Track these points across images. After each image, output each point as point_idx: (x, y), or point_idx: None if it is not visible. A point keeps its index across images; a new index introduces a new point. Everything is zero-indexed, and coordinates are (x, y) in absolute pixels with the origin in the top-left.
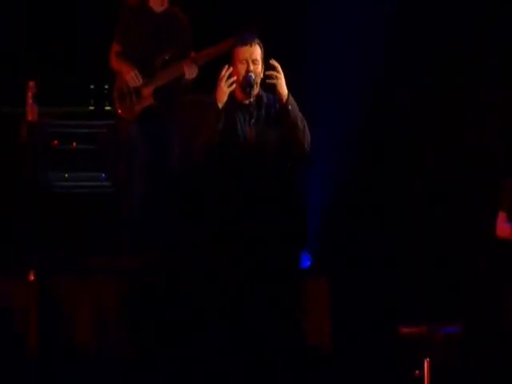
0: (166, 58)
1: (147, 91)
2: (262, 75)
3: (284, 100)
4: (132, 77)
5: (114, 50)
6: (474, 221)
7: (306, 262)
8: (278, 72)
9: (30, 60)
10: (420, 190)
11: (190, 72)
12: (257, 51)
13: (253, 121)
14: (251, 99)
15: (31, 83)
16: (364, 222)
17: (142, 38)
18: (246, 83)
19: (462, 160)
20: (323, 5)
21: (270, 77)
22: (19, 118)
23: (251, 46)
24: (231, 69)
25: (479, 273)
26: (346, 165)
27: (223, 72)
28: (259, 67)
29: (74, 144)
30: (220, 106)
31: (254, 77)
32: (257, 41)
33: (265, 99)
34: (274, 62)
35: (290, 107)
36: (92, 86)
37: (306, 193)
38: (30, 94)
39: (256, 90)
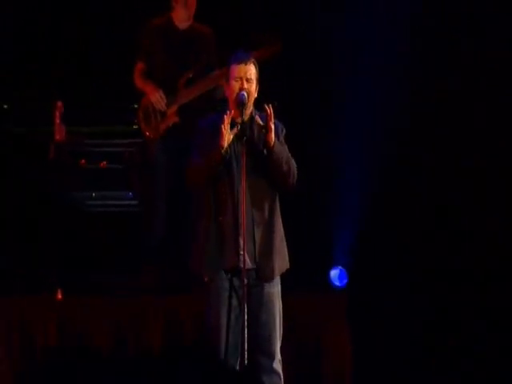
0: (190, 75)
1: (171, 110)
2: (255, 94)
3: (271, 146)
4: (157, 99)
5: (138, 68)
6: None
7: (343, 281)
8: (270, 118)
9: (57, 80)
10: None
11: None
12: (251, 70)
13: (245, 139)
14: (244, 117)
15: (59, 103)
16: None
17: (165, 55)
18: (239, 101)
19: (499, 178)
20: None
21: (262, 121)
22: (47, 138)
23: (246, 64)
24: (233, 113)
25: None
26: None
27: (225, 119)
28: (253, 86)
29: (101, 163)
30: (223, 151)
31: (246, 95)
32: (252, 60)
33: (258, 119)
34: (267, 108)
35: (273, 154)
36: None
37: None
38: (57, 114)
39: (249, 109)
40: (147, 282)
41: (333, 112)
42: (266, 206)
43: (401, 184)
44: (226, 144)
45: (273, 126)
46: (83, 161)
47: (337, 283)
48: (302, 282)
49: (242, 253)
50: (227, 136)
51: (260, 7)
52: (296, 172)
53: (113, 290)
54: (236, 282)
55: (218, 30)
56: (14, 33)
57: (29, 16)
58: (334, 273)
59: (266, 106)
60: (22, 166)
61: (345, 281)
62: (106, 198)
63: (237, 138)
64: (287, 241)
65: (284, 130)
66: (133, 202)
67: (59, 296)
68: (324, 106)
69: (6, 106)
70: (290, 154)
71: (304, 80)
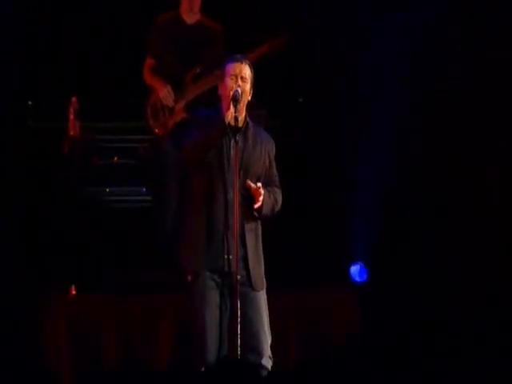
0: (198, 71)
1: (179, 106)
2: (249, 97)
3: (259, 213)
4: (165, 94)
5: (148, 64)
6: None
7: (363, 276)
8: (257, 195)
9: (72, 76)
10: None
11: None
12: (246, 70)
13: (239, 141)
14: (237, 114)
15: (73, 99)
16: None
17: (174, 50)
18: (233, 96)
19: None
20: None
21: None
22: (62, 134)
23: (241, 63)
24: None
25: None
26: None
27: (235, 93)
28: (247, 85)
29: (115, 159)
30: (227, 120)
31: (240, 92)
32: (247, 61)
33: (251, 129)
34: (253, 186)
35: (261, 216)
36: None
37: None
38: (72, 110)
39: (242, 113)
40: (160, 279)
41: (356, 112)
42: (255, 219)
43: (422, 181)
44: (229, 117)
45: (261, 200)
46: (97, 156)
47: (357, 279)
48: (323, 278)
49: (229, 257)
50: (230, 112)
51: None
52: (279, 208)
53: (126, 287)
54: (220, 280)
55: (226, 25)
56: (27, 28)
57: (44, 11)
58: (355, 269)
59: (252, 185)
60: (36, 161)
61: (364, 276)
62: (120, 193)
63: (229, 140)
64: (311, 238)
65: (274, 148)
66: (147, 198)
67: (73, 292)
68: (346, 105)
69: (30, 103)
70: (276, 189)
71: (324, 80)
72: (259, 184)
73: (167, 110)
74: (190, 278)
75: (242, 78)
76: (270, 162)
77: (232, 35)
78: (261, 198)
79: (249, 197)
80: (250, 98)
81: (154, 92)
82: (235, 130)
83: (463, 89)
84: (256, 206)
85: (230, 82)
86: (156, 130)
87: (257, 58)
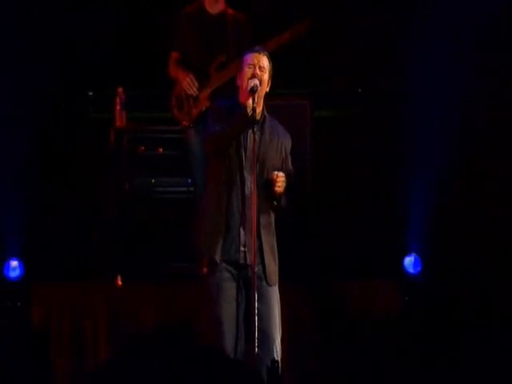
0: (222, 60)
1: (203, 95)
2: (267, 88)
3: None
4: (188, 83)
5: (172, 58)
6: None
7: (417, 267)
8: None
9: (118, 66)
10: None
11: None
12: (265, 60)
13: (257, 132)
14: (255, 104)
15: (120, 89)
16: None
17: (198, 41)
18: (251, 89)
19: None
20: None
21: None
22: (108, 124)
23: (259, 53)
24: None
25: None
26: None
27: (254, 84)
28: (265, 75)
29: (161, 149)
30: (249, 110)
31: (258, 83)
32: (266, 53)
33: (268, 122)
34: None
35: (280, 206)
36: None
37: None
38: (118, 100)
39: (259, 100)
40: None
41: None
42: (270, 214)
43: (476, 171)
44: (249, 108)
45: (280, 190)
46: (143, 147)
47: (411, 270)
48: (378, 269)
49: (245, 249)
50: (248, 104)
51: None
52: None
53: (171, 277)
54: (236, 273)
55: (248, 13)
56: (78, 19)
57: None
58: (409, 260)
59: (275, 175)
60: (84, 151)
61: (418, 268)
62: (165, 184)
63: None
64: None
65: (290, 143)
66: (191, 189)
67: (119, 282)
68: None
69: (91, 94)
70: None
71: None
72: (280, 173)
73: (192, 99)
74: (205, 270)
75: (260, 67)
76: (286, 157)
77: (254, 23)
78: (281, 184)
79: (266, 190)
80: (267, 89)
81: (178, 82)
82: (253, 121)
83: None
84: (276, 189)
85: (247, 72)
86: (181, 120)
87: (278, 45)
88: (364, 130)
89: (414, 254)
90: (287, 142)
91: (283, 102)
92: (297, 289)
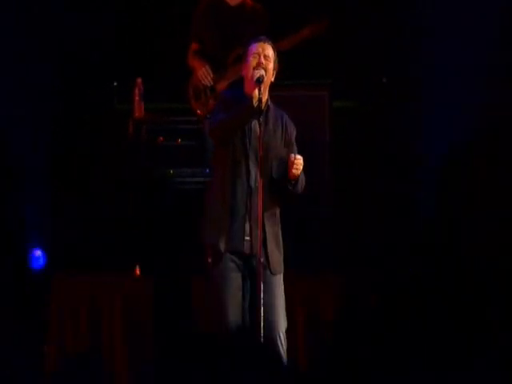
0: (240, 52)
1: (221, 86)
2: (272, 78)
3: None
4: (203, 73)
5: (191, 49)
6: None
7: None
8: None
9: (137, 57)
10: None
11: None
12: (270, 49)
13: (261, 120)
14: (261, 95)
15: (138, 80)
16: None
17: (216, 33)
18: (257, 79)
19: None
20: None
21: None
22: (122, 115)
23: (264, 42)
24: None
25: None
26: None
27: (260, 74)
28: (270, 65)
29: (179, 140)
30: (254, 101)
31: (264, 73)
32: (271, 42)
33: (272, 112)
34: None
35: (294, 189)
36: None
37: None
38: (137, 91)
39: (264, 90)
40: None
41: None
42: (275, 203)
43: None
44: (255, 99)
45: (297, 173)
46: (161, 138)
47: None
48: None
49: (248, 238)
50: (255, 94)
51: None
52: (303, 189)
53: (188, 269)
54: (241, 263)
55: (268, 6)
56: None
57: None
58: None
59: (292, 157)
60: (106, 142)
61: None
62: (183, 174)
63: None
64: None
65: (295, 132)
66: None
67: (137, 273)
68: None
69: (115, 84)
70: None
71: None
72: (298, 155)
73: (209, 90)
74: (209, 260)
75: (265, 56)
76: (291, 145)
77: (274, 16)
78: (299, 166)
79: (281, 174)
80: (272, 79)
81: (194, 73)
82: (259, 112)
83: None
84: (294, 171)
85: (252, 61)
86: (197, 111)
87: (298, 40)
88: (385, 120)
89: None
90: (292, 131)
91: (302, 92)
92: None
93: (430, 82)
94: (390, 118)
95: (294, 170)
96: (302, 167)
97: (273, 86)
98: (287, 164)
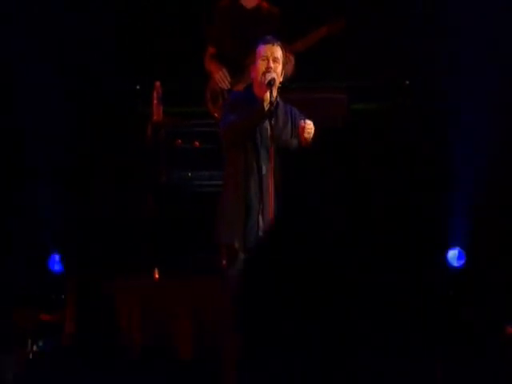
0: None
1: (238, 89)
2: (281, 78)
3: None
4: (220, 77)
5: (208, 53)
6: None
7: (460, 261)
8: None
9: (155, 60)
10: None
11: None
12: (278, 50)
13: (273, 121)
14: (272, 98)
15: (157, 83)
16: None
17: (233, 36)
18: (268, 82)
19: None
20: None
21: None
22: (146, 118)
23: (273, 45)
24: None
25: None
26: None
27: (271, 78)
28: (279, 67)
29: (197, 143)
30: (265, 104)
31: (275, 76)
32: (279, 43)
33: (281, 106)
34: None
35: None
36: None
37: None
38: (155, 94)
39: (274, 92)
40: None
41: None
42: None
43: None
44: (266, 102)
45: (309, 137)
46: (179, 141)
47: (454, 263)
48: (421, 262)
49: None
50: (266, 98)
51: None
52: None
53: (205, 271)
54: None
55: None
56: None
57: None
58: (453, 253)
59: (303, 122)
60: (121, 145)
61: (462, 261)
62: (202, 177)
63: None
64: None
65: (298, 112)
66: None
67: (156, 276)
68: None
69: (138, 87)
70: None
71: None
72: (308, 120)
73: (226, 93)
74: (224, 262)
75: (274, 59)
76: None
77: (289, 17)
78: (310, 130)
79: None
80: (281, 79)
81: (212, 77)
82: (270, 115)
83: None
84: (306, 136)
85: (261, 65)
86: (215, 114)
87: (314, 42)
88: (407, 122)
89: (457, 248)
90: (295, 113)
91: (321, 95)
92: None
93: (456, 86)
94: (412, 121)
95: (305, 135)
96: (313, 131)
97: (292, 89)
98: (298, 132)
